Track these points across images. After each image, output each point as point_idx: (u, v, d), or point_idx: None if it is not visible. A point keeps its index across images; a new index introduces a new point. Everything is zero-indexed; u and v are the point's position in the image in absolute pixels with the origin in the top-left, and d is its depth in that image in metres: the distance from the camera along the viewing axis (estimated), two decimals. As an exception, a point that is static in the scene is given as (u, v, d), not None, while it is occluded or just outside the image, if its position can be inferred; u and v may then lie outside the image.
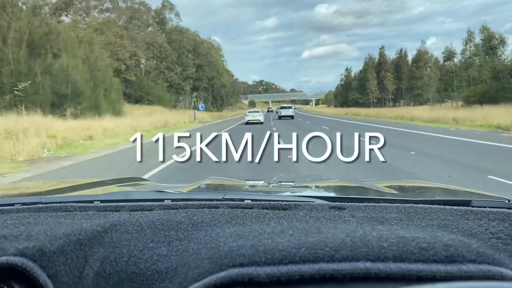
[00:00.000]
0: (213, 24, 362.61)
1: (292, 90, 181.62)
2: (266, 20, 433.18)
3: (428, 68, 69.61)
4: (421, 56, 73.06)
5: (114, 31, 40.15)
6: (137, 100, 42.44)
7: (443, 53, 47.98)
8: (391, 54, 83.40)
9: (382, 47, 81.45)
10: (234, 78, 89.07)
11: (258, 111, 35.11)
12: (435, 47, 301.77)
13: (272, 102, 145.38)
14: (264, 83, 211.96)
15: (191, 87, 58.95)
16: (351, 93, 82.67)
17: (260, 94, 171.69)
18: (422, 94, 66.12)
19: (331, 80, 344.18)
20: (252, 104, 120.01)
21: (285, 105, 51.98)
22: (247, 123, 31.28)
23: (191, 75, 56.56)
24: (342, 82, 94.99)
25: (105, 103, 26.05)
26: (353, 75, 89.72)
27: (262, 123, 31.20)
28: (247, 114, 34.25)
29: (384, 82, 75.42)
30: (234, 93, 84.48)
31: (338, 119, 40.05)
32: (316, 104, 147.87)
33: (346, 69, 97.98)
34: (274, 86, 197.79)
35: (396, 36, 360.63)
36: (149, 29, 51.48)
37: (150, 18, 51.50)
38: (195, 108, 47.92)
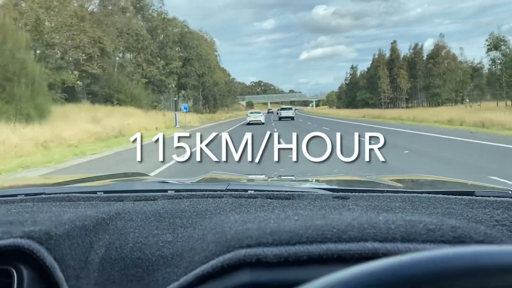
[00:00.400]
0: (212, 26, 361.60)
1: (291, 91, 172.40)
2: (264, 21, 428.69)
3: (446, 64, 62.31)
4: (438, 51, 65.02)
5: (71, 11, 31.18)
6: (106, 99, 33.95)
7: (487, 40, 39.03)
8: (403, 50, 77.44)
9: (394, 42, 73.25)
10: (231, 77, 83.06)
11: (259, 112, 37.65)
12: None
13: (270, 103, 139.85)
14: (262, 84, 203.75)
15: (176, 85, 49.53)
16: (360, 92, 75.12)
17: (258, 95, 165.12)
18: (440, 94, 58.62)
19: (329, 81, 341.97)
20: (249, 105, 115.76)
21: (285, 106, 51.75)
22: (248, 123, 33.33)
23: (176, 69, 47.08)
24: (347, 81, 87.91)
25: (22, 103, 17.07)
26: (359, 73, 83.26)
27: (263, 123, 33.41)
28: (249, 115, 36.77)
29: (397, 80, 67.24)
30: (230, 93, 76.61)
31: (360, 123, 31.01)
32: (317, 105, 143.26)
33: (352, 67, 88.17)
34: (272, 87, 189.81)
35: (394, 38, 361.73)
36: (127, 15, 42.78)
37: (128, 1, 42.75)
38: (177, 109, 39.80)
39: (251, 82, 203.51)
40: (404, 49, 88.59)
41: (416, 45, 70.30)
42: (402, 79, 67.31)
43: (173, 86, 48.57)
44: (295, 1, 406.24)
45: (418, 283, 0.33)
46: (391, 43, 73.53)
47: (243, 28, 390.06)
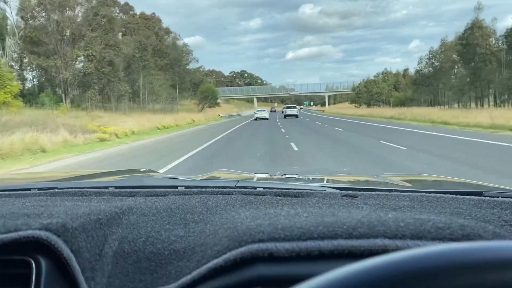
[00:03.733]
0: (197, 24, 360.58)
1: (282, 88, 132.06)
2: (250, 20, 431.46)
3: None
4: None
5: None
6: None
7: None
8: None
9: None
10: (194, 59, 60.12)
11: (264, 110, 46.61)
12: (418, 50, 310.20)
13: (258, 100, 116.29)
14: (246, 74, 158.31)
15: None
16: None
17: (239, 86, 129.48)
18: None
19: (315, 81, 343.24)
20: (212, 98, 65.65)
21: (290, 105, 58.02)
22: (255, 119, 42.11)
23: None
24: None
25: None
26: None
27: (267, 119, 41.90)
28: (256, 112, 46.29)
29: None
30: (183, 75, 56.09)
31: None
32: (322, 103, 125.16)
33: (420, 58, 63.94)
34: (259, 81, 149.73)
35: (379, 39, 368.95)
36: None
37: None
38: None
39: (231, 72, 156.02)
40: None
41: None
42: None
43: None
44: (282, 0, 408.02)
45: (408, 281, 0.33)
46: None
47: (229, 27, 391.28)
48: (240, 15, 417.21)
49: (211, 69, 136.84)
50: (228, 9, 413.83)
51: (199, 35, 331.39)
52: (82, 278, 0.63)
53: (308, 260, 0.55)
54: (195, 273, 0.59)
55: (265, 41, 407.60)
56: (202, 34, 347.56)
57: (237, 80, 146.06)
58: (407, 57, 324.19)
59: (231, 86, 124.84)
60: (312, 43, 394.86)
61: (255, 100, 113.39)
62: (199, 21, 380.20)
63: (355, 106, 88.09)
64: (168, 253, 0.69)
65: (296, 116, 46.42)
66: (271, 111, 72.22)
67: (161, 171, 6.95)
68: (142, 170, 1.74)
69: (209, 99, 60.58)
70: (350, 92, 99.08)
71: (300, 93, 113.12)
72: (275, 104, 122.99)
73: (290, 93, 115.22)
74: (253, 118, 43.00)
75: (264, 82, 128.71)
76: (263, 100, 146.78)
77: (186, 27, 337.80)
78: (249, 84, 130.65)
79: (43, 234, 0.63)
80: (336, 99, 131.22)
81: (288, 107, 50.81)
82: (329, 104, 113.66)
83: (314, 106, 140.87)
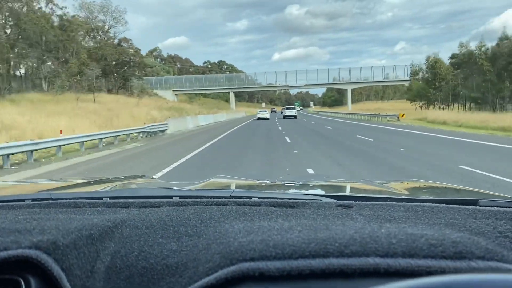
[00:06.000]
0: (183, 25, 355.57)
1: (270, 85, 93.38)
2: (237, 22, 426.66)
3: None
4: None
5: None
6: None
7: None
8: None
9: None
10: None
11: (265, 111, 50.75)
12: (404, 52, 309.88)
13: (240, 99, 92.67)
14: (226, 66, 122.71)
15: None
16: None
17: (211, 74, 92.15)
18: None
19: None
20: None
21: (289, 106, 58.83)
22: (258, 119, 46.37)
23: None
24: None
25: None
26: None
27: (268, 119, 46.00)
28: (258, 113, 50.23)
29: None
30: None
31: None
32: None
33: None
34: (244, 77, 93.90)
35: (366, 41, 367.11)
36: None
37: None
38: None
39: (205, 62, 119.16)
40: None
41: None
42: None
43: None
44: (269, 1, 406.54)
45: None
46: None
47: (216, 28, 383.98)
48: (226, 16, 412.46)
49: (172, 54, 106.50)
50: (215, 10, 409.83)
51: (184, 35, 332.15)
52: None
53: (299, 279, 0.55)
54: None
55: (252, 43, 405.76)
56: (188, 35, 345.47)
57: (212, 71, 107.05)
58: (392, 59, 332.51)
59: (207, 79, 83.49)
60: (299, 45, 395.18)
61: (231, 96, 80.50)
62: (185, 21, 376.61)
63: (420, 106, 56.14)
64: (161, 268, 0.68)
65: (295, 116, 49.58)
66: (271, 112, 73.49)
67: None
68: (138, 176, 1.75)
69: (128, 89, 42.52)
70: (384, 83, 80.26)
71: (293, 86, 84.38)
72: (263, 105, 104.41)
73: (279, 87, 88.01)
74: (255, 118, 48.82)
75: (250, 77, 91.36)
76: (248, 99, 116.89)
77: (172, 27, 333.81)
78: (229, 80, 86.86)
79: (33, 253, 0.62)
80: (343, 97, 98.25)
81: (287, 108, 53.92)
82: (346, 104, 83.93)
83: (313, 107, 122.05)
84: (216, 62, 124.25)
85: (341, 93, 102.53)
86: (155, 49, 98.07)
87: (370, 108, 70.05)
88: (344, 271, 0.54)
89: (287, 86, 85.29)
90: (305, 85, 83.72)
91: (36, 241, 0.65)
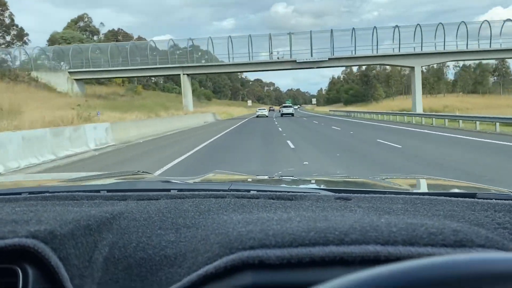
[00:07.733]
0: (168, 24, 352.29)
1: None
2: (223, 21, 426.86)
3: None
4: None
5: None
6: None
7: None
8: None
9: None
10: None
11: (264, 109, 54.46)
12: (392, 51, 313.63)
13: (218, 95, 75.20)
14: (207, 56, 44.51)
15: None
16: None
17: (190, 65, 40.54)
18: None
19: (287, 83, 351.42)
20: None
21: (286, 104, 59.92)
22: (257, 116, 48.90)
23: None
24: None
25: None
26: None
27: (267, 116, 49.11)
28: (257, 111, 53.52)
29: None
30: None
31: None
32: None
33: None
34: (208, 49, 45.94)
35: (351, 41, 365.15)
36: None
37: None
38: None
39: (171, 46, 44.88)
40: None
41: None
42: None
43: None
44: (254, 0, 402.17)
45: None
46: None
47: (202, 27, 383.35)
48: (213, 15, 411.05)
49: (116, 29, 73.67)
50: (201, 8, 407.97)
51: (170, 34, 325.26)
52: (71, 286, 0.62)
53: (299, 267, 0.54)
54: (185, 280, 0.58)
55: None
56: (173, 33, 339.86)
57: (182, 60, 43.84)
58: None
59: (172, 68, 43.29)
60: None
61: (185, 84, 42.76)
62: (170, 20, 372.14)
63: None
64: (159, 259, 0.68)
65: (292, 114, 51.63)
66: (269, 111, 75.81)
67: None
68: (135, 172, 1.75)
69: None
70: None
71: (306, 61, 41.62)
72: (249, 102, 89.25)
73: (276, 63, 43.62)
74: (255, 116, 51.33)
75: (239, 74, 76.49)
76: (232, 96, 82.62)
77: (157, 26, 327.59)
78: (207, 79, 57.38)
79: (30, 242, 0.62)
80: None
81: (284, 107, 56.31)
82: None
83: (313, 105, 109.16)
84: (190, 46, 49.36)
85: (370, 83, 70.94)
86: (81, 17, 70.37)
87: (461, 107, 39.30)
88: (344, 259, 0.54)
89: (294, 61, 42.92)
90: (329, 59, 42.28)
91: (33, 231, 0.65)
